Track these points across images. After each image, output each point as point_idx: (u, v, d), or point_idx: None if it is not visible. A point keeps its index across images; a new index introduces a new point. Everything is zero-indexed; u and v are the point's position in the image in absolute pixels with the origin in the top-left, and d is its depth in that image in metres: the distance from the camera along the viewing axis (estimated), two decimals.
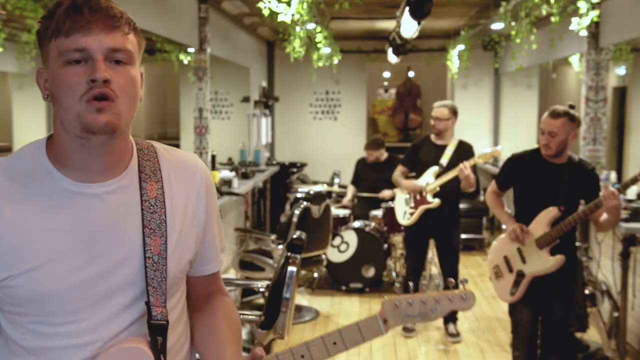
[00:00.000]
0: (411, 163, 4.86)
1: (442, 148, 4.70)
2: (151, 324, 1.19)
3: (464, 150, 4.70)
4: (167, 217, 1.22)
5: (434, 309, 1.34)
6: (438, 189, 4.60)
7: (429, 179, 4.65)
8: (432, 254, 5.85)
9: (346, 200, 6.52)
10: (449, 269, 4.76)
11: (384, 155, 6.37)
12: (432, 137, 4.79)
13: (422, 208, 4.66)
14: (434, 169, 4.66)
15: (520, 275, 3.31)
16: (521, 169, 3.35)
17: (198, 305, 1.38)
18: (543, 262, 3.22)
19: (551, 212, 3.17)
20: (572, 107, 3.26)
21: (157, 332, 1.19)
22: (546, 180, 3.24)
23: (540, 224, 3.21)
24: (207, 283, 1.39)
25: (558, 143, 3.17)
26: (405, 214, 4.80)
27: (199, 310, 1.38)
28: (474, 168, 4.53)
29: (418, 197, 4.70)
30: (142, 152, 1.25)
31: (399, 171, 4.89)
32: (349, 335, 1.33)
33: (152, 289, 1.19)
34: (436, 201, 4.61)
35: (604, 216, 3.15)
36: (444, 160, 4.65)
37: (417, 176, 4.78)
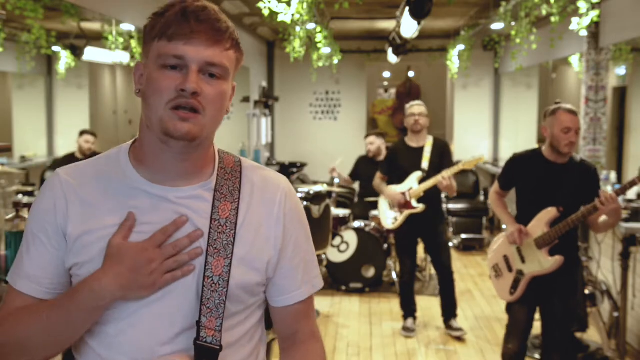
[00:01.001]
0: (390, 170, 4.83)
1: (420, 151, 4.71)
2: (198, 344, 1.14)
3: (442, 149, 4.74)
4: (236, 240, 1.18)
5: None
6: (422, 193, 4.63)
7: (413, 184, 4.67)
8: None
9: (345, 176, 6.55)
10: (442, 266, 4.78)
11: (383, 149, 6.38)
12: (407, 139, 4.80)
13: (406, 213, 4.71)
14: (417, 174, 4.68)
15: (520, 274, 3.33)
16: (523, 169, 3.36)
17: (285, 347, 1.33)
18: (542, 263, 3.24)
19: (550, 212, 3.18)
20: (557, 102, 3.31)
21: (204, 355, 1.14)
22: (547, 180, 3.24)
23: (539, 224, 3.22)
24: (291, 319, 1.30)
25: (576, 138, 3.19)
26: (390, 219, 4.85)
27: (284, 352, 1.32)
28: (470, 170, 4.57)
29: (402, 201, 4.72)
30: (224, 170, 1.23)
31: (379, 178, 4.91)
32: None
33: (206, 310, 1.14)
34: (421, 206, 4.65)
35: (603, 218, 3.16)
36: (425, 163, 4.67)
37: (399, 181, 4.78)
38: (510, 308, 3.48)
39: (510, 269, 3.38)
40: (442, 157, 4.66)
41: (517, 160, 3.40)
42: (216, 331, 1.14)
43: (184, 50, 1.10)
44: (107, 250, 1.12)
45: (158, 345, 1.14)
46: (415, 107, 4.72)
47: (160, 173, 1.18)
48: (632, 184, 3.08)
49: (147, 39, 1.15)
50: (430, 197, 4.66)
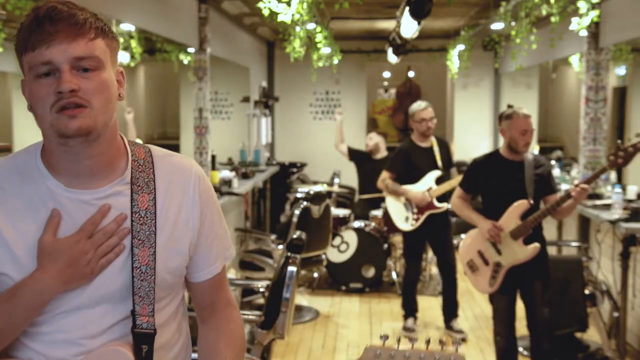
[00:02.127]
0: (402, 169, 4.80)
1: (430, 150, 4.76)
2: (135, 332, 1.20)
3: (445, 147, 4.85)
4: (157, 229, 1.23)
5: None
6: (441, 193, 4.69)
7: (432, 184, 4.68)
8: (431, 254, 5.86)
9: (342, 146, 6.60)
10: (447, 265, 4.79)
11: (383, 148, 6.39)
12: (415, 139, 4.80)
13: (428, 213, 4.73)
14: (436, 173, 4.73)
15: (498, 266, 3.52)
16: (485, 170, 3.61)
17: (204, 317, 1.40)
18: (520, 252, 3.45)
19: (521, 205, 3.43)
20: (510, 107, 3.59)
21: (142, 341, 1.20)
22: (509, 176, 3.49)
23: (511, 217, 3.45)
24: (209, 291, 1.38)
25: (531, 139, 3.48)
26: (408, 219, 4.80)
27: (204, 322, 1.40)
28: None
29: (424, 202, 4.72)
30: (137, 162, 1.26)
31: (388, 178, 4.83)
32: None
33: (138, 298, 1.20)
34: (445, 205, 4.68)
35: (568, 202, 3.36)
36: (439, 163, 4.75)
37: (412, 181, 4.78)
38: (492, 297, 3.69)
39: (486, 263, 3.57)
40: (449, 157, 4.80)
41: (479, 164, 3.68)
42: (149, 316, 1.21)
43: (49, 54, 1.11)
44: (39, 250, 1.15)
45: (94, 337, 1.19)
46: (425, 112, 4.71)
47: (73, 177, 1.20)
48: (603, 170, 3.30)
49: (18, 56, 1.17)
50: (443, 196, 4.74)
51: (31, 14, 1.14)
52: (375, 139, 6.45)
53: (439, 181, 4.69)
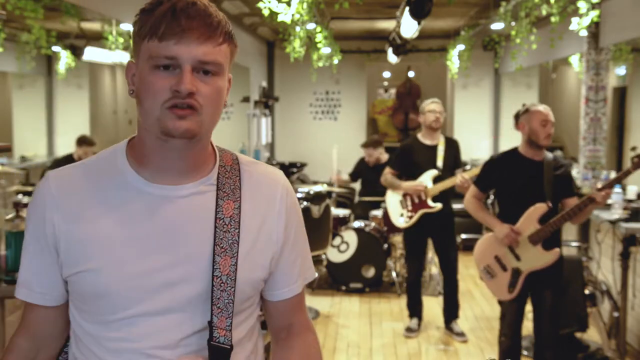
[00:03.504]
0: (403, 166, 4.80)
1: (434, 149, 4.69)
2: (212, 345, 1.13)
3: (454, 148, 4.76)
4: (240, 238, 1.17)
5: None
6: (438, 192, 4.62)
7: (428, 183, 4.65)
8: (431, 254, 5.86)
9: (344, 176, 6.59)
10: (449, 266, 4.77)
11: (384, 155, 6.39)
12: (421, 137, 4.77)
13: (421, 212, 4.67)
14: (433, 172, 4.65)
15: (517, 272, 3.38)
16: (502, 169, 3.44)
17: (279, 338, 1.32)
18: (540, 257, 3.31)
19: (540, 208, 3.28)
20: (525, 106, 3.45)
21: (217, 356, 1.13)
22: (530, 178, 3.34)
23: (530, 221, 3.30)
24: (287, 311, 1.30)
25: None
26: (402, 216, 4.80)
27: (278, 343, 1.31)
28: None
29: (416, 200, 4.69)
30: (224, 168, 1.22)
31: (390, 174, 4.84)
32: None
33: (217, 310, 1.13)
34: (438, 205, 4.62)
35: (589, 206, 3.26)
36: (440, 162, 4.66)
37: (412, 179, 4.76)
38: (501, 301, 3.58)
39: (504, 269, 3.43)
40: (455, 158, 4.69)
41: (496, 161, 3.53)
42: (227, 330, 1.13)
43: (176, 50, 1.07)
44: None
45: (164, 349, 1.13)
46: (435, 105, 4.68)
47: (160, 172, 1.16)
48: (627, 173, 3.19)
49: (136, 38, 1.12)
50: (442, 196, 4.65)
51: (167, 1, 1.09)
52: (374, 154, 6.45)
53: (437, 181, 4.66)
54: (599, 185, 3.27)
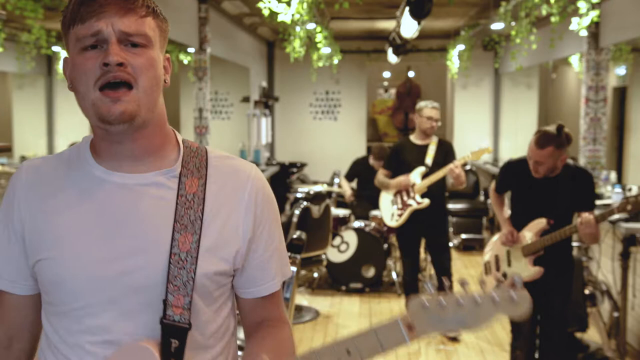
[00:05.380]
0: (394, 166, 4.81)
1: (424, 148, 4.70)
2: (165, 323, 1.09)
3: (446, 149, 4.74)
4: (205, 215, 1.13)
5: (473, 313, 1.06)
6: (425, 189, 4.61)
7: (416, 180, 4.65)
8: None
9: (347, 195, 6.55)
10: (442, 267, 4.77)
11: None
12: (412, 137, 4.78)
13: (410, 209, 4.67)
14: (421, 169, 4.66)
15: (504, 276, 3.41)
16: (515, 176, 3.40)
17: (251, 332, 1.26)
18: (524, 270, 3.32)
19: (540, 224, 3.24)
20: (561, 127, 3.12)
21: (172, 334, 1.09)
22: (538, 191, 3.27)
23: (530, 233, 3.30)
24: (260, 308, 1.25)
25: (546, 169, 3.16)
26: (393, 216, 4.80)
27: (251, 337, 1.25)
28: (464, 165, 4.55)
29: (406, 197, 4.69)
30: (189, 149, 1.20)
31: (382, 174, 4.86)
32: (366, 342, 1.09)
33: (172, 287, 1.09)
34: (426, 201, 4.61)
35: (584, 232, 3.09)
36: (429, 160, 4.66)
37: None
38: None
39: (497, 269, 3.49)
40: (447, 156, 4.66)
41: (511, 167, 3.48)
42: (184, 309, 1.10)
43: (98, 25, 1.07)
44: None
45: (121, 328, 1.10)
46: (434, 111, 4.65)
47: (116, 160, 1.14)
48: (612, 212, 3.00)
49: (64, 33, 1.13)
50: (434, 195, 4.64)
51: None
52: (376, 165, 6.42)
53: (426, 177, 4.64)
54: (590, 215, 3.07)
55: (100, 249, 1.11)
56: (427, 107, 4.68)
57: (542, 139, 3.09)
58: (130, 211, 1.12)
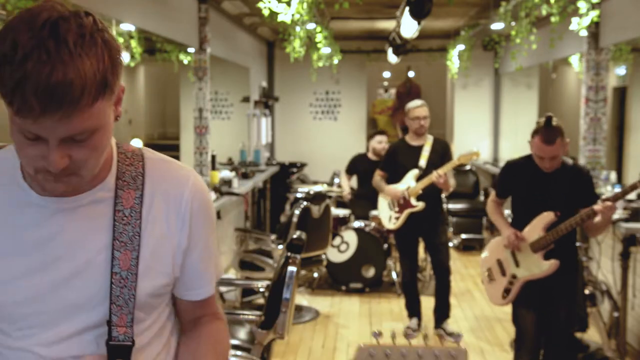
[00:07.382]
0: (389, 167, 4.82)
1: (419, 149, 4.69)
2: (110, 345, 1.09)
3: (441, 148, 4.73)
4: (142, 230, 1.10)
5: None
6: (420, 191, 4.60)
7: (410, 182, 4.65)
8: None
9: (345, 193, 6.53)
10: (440, 267, 4.76)
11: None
12: (408, 138, 4.78)
13: (406, 212, 4.67)
14: (414, 171, 4.65)
15: (514, 278, 3.35)
16: (516, 175, 3.39)
17: (186, 329, 1.27)
18: (538, 266, 3.26)
19: (547, 217, 3.21)
20: (550, 117, 3.18)
21: (117, 354, 1.09)
22: (540, 187, 3.27)
23: (535, 228, 3.25)
24: (195, 308, 1.26)
25: (558, 161, 3.21)
26: (390, 219, 4.81)
27: (186, 333, 1.27)
28: (462, 166, 4.52)
29: (402, 201, 4.69)
30: (124, 156, 1.15)
31: (379, 176, 4.87)
32: None
33: (116, 308, 1.08)
34: (420, 204, 4.61)
35: (597, 218, 3.13)
36: (422, 161, 4.65)
37: (398, 179, 4.76)
38: (516, 317, 3.44)
39: (503, 273, 3.41)
40: (443, 156, 4.65)
41: (511, 167, 3.46)
42: (127, 327, 1.09)
43: (36, 129, 0.94)
44: None
45: (61, 340, 1.08)
46: (420, 110, 4.65)
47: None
48: (633, 187, 3.05)
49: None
50: (430, 196, 4.63)
51: (18, 64, 0.89)
52: (383, 141, 6.31)
53: (421, 179, 4.64)
54: (603, 197, 3.17)
55: (38, 274, 1.07)
56: (413, 108, 4.68)
57: (549, 135, 3.13)
58: (67, 234, 1.08)
